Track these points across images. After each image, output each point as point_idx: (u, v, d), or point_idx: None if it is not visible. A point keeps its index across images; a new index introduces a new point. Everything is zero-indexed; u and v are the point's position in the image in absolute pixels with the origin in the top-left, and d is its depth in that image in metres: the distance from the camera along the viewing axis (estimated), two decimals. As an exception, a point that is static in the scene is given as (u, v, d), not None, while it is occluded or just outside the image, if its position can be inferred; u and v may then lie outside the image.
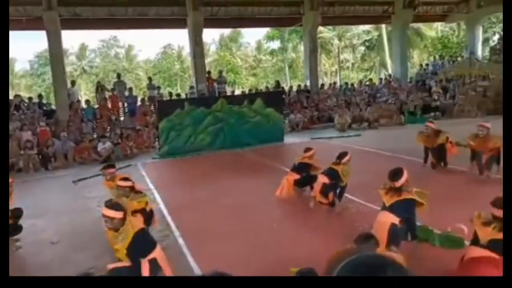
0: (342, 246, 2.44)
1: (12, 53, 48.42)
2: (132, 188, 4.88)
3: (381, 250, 3.86)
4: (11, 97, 14.26)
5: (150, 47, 68.92)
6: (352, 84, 19.65)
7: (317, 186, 5.56)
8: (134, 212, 4.41)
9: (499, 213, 3.15)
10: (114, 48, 38.88)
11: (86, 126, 12.87)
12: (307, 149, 6.41)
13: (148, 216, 4.85)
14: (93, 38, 62.77)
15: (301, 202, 6.04)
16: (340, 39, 35.61)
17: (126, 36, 68.34)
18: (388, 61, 28.68)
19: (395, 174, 4.15)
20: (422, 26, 30.55)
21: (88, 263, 4.17)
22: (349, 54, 37.13)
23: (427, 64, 21.52)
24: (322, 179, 5.51)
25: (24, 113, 12.79)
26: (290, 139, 12.55)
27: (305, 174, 6.15)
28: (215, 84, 16.36)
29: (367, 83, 19.81)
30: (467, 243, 4.20)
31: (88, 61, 37.52)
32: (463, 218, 4.47)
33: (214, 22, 17.36)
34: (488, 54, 21.10)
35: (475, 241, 3.36)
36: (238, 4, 16.85)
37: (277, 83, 18.56)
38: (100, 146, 11.13)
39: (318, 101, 16.44)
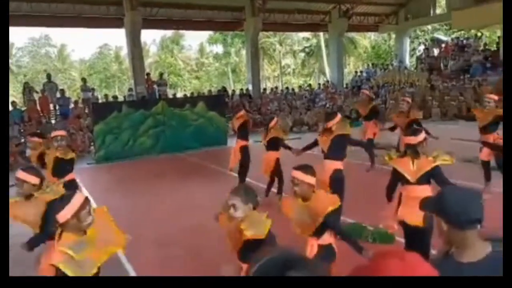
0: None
1: None
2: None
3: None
4: None
5: (85, 46, 65.35)
6: (293, 89, 20.24)
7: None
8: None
9: (409, 140, 3.44)
10: (45, 47, 36.33)
11: (12, 129, 11.84)
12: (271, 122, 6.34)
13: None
14: (20, 35, 58.07)
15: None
16: (281, 45, 36.52)
17: (59, 35, 64.15)
18: (326, 68, 29.96)
19: (329, 115, 4.76)
20: (356, 35, 32.36)
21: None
22: (290, 60, 38.19)
23: (361, 71, 22.84)
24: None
25: None
26: (233, 142, 12.56)
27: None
28: (155, 86, 15.95)
29: (307, 88, 20.53)
30: (397, 238, 4.51)
31: (15, 60, 34.62)
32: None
33: (154, 23, 16.93)
34: (415, 63, 22.95)
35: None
36: (178, 6, 16.61)
37: (224, 89, 18.58)
38: (28, 152, 10.30)
39: (261, 105, 16.70)
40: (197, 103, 12.41)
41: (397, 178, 3.52)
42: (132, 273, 4.07)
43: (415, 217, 3.20)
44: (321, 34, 30.16)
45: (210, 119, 12.34)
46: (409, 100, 7.41)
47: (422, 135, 3.47)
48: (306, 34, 34.74)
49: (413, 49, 27.44)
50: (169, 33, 36.36)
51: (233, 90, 19.71)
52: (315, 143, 5.07)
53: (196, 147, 11.58)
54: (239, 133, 7.05)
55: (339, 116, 4.76)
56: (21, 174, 3.21)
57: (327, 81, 21.62)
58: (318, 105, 17.13)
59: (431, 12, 20.80)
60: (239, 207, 2.48)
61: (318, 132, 5.05)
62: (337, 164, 4.64)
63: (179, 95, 23.92)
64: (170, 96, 16.68)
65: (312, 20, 20.26)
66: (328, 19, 20.16)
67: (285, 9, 18.88)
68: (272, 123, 6.28)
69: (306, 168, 2.90)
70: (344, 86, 20.66)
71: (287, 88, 20.79)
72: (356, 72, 23.39)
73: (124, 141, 11.12)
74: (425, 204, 1.69)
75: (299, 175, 2.86)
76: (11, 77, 32.99)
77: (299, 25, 20.91)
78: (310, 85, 22.24)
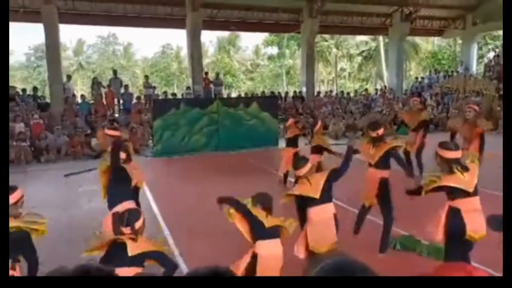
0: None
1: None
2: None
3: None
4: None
5: (149, 45, 68.94)
6: (348, 93, 19.82)
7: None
8: None
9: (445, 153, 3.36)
10: (112, 45, 38.77)
11: (80, 120, 12.82)
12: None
13: None
14: (91, 33, 62.62)
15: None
16: (338, 48, 35.90)
17: (125, 34, 68.20)
18: (385, 72, 28.97)
19: (376, 123, 4.62)
20: (418, 39, 30.96)
21: (79, 257, 4.16)
22: (346, 64, 37.43)
23: (422, 77, 21.80)
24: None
25: (18, 105, 12.70)
26: (284, 144, 12.60)
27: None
28: (212, 86, 16.41)
29: (363, 93, 20.00)
30: (424, 242, 4.29)
31: (85, 57, 37.36)
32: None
33: (213, 24, 17.44)
34: (482, 70, 21.45)
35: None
36: (237, 8, 16.97)
37: (272, 93, 18.71)
38: (94, 141, 11.09)
39: (314, 108, 16.56)
40: (250, 103, 12.59)
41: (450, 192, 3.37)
42: (183, 265, 4.24)
43: (481, 229, 3.16)
44: (380, 37, 29.22)
45: (263, 120, 12.46)
46: (476, 108, 6.68)
47: (459, 152, 3.38)
48: (364, 38, 33.83)
49: (481, 56, 25.68)
50: (226, 34, 37.22)
51: (286, 92, 19.74)
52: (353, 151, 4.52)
53: (247, 147, 11.75)
54: (290, 142, 7.39)
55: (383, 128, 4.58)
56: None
57: (385, 87, 20.91)
58: (374, 111, 16.62)
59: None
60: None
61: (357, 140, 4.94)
62: (385, 173, 4.48)
63: (233, 95, 24.42)
64: (225, 96, 17.09)
65: (371, 23, 19.71)
66: (389, 22, 19.49)
67: (343, 11, 18.55)
68: (316, 128, 6.66)
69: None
70: (403, 92, 19.86)
71: (341, 92, 20.42)
72: (416, 78, 22.37)
73: (180, 137, 11.57)
74: (497, 223, 1.61)
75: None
76: (81, 72, 35.69)
77: (357, 28, 20.43)
78: (366, 89, 21.64)
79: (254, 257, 3.12)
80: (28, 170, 9.56)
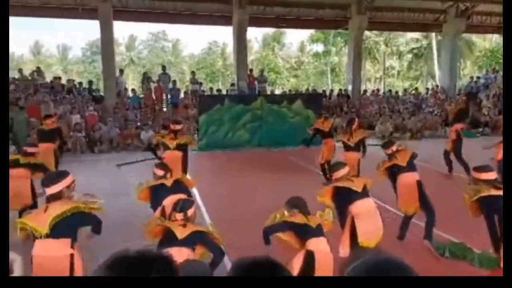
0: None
1: (66, 41, 51.14)
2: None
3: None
4: (63, 81, 15.14)
5: (196, 42, 70.44)
6: (397, 92, 19.13)
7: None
8: None
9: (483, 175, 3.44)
10: (162, 42, 40.08)
11: (131, 113, 13.42)
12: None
13: None
14: (142, 30, 65.12)
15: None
16: (387, 45, 34.73)
17: (174, 30, 70.24)
18: (436, 71, 27.64)
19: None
20: (474, 37, 29.19)
21: (123, 245, 4.39)
22: (396, 61, 36.11)
23: (478, 77, 20.54)
24: None
25: (75, 97, 13.52)
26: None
27: None
28: (256, 83, 16.52)
29: (413, 92, 19.21)
30: (476, 251, 4.06)
31: (136, 52, 38.95)
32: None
33: (259, 21, 17.53)
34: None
35: None
36: (284, 4, 16.89)
37: (314, 91, 18.51)
38: (143, 134, 11.59)
39: (359, 106, 16.17)
40: (294, 100, 12.54)
41: None
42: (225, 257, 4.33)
43: None
44: (433, 34, 27.89)
45: (306, 118, 12.35)
46: None
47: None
48: (416, 35, 32.45)
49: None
50: (271, 31, 37.22)
51: (331, 90, 19.42)
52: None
53: (290, 144, 11.72)
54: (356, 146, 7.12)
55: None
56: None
57: (437, 86, 19.94)
58: (425, 111, 15.93)
59: None
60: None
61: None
62: (417, 175, 4.54)
63: (277, 92, 24.40)
64: (269, 92, 17.13)
65: (424, 19, 18.84)
66: (442, 18, 18.53)
67: (394, 7, 17.86)
68: (355, 125, 6.75)
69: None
70: (457, 92, 18.84)
71: (389, 90, 19.76)
72: (472, 77, 21.12)
73: (224, 133, 11.79)
74: None
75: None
76: (132, 67, 37.27)
77: (409, 24, 19.62)
78: (416, 89, 20.77)
79: (310, 254, 3.13)
80: (82, 159, 10.18)
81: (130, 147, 11.40)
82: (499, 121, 14.99)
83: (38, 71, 15.00)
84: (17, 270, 1.24)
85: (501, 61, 28.53)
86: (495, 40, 31.16)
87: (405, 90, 20.57)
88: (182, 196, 3.87)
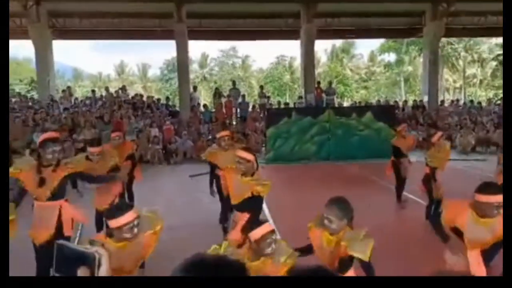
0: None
1: (146, 60, 55.53)
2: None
3: None
4: (144, 98, 16.44)
5: (264, 57, 72.24)
6: (479, 102, 17.67)
7: None
8: None
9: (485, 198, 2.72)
10: (232, 58, 41.70)
11: (203, 127, 14.10)
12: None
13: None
14: (213, 48, 68.52)
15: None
16: (467, 52, 32.31)
17: (244, 47, 72.68)
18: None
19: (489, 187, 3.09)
20: None
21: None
22: (477, 69, 33.39)
23: None
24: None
25: (153, 112, 14.58)
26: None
27: None
28: (324, 95, 16.37)
29: (498, 102, 17.57)
30: None
31: (208, 69, 40.97)
32: None
33: (327, 33, 17.46)
34: None
35: None
36: (352, 15, 16.62)
37: (387, 103, 17.75)
38: (214, 147, 12.08)
39: (437, 118, 15.19)
40: (364, 113, 12.20)
41: None
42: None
43: None
44: (522, 38, 25.34)
45: (378, 130, 11.93)
46: None
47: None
48: (500, 40, 29.76)
49: None
50: (339, 42, 36.79)
51: (405, 101, 18.53)
52: None
53: (360, 158, 11.37)
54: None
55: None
56: (243, 154, 3.80)
57: (526, 95, 18.01)
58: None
59: None
60: (333, 221, 2.50)
61: None
62: None
63: (345, 104, 23.92)
64: (337, 105, 16.87)
65: (510, 22, 17.23)
66: (534, 20, 16.78)
67: (474, 11, 16.63)
68: (435, 138, 5.71)
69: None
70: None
71: (471, 101, 18.31)
72: None
73: (291, 146, 11.84)
74: None
75: None
76: (204, 83, 39.23)
77: (491, 28, 18.07)
78: (502, 98, 18.96)
79: None
80: (159, 169, 10.90)
81: (203, 159, 11.94)
82: None
83: (123, 88, 16.49)
84: (104, 265, 1.33)
85: None
86: None
87: (489, 100, 18.89)
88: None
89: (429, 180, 5.58)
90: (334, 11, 16.39)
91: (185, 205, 7.05)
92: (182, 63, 16.11)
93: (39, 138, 3.73)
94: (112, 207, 2.79)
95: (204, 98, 33.56)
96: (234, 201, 3.81)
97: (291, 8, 15.89)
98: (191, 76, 30.55)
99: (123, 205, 2.67)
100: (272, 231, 2.44)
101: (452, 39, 29.47)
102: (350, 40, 35.03)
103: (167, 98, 17.45)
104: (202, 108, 16.09)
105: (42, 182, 3.44)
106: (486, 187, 2.76)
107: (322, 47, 45.62)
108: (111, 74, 42.61)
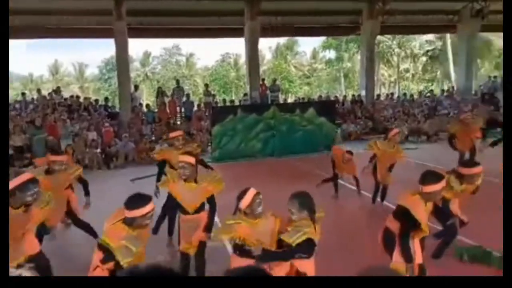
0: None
1: (84, 59, 52.60)
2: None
3: None
4: (81, 99, 15.52)
5: (209, 55, 71.43)
6: (412, 95, 18.86)
7: None
8: None
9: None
10: (176, 56, 40.77)
11: (145, 128, 13.62)
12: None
13: None
14: (156, 46, 66.61)
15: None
16: (400, 48, 34.37)
17: (188, 44, 71.46)
18: (452, 72, 27.15)
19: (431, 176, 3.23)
20: (492, 35, 28.59)
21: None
22: (410, 64, 35.66)
23: (495, 77, 20.05)
24: None
25: (91, 114, 13.82)
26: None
27: None
28: (269, 92, 16.55)
29: (428, 94, 18.89)
30: (495, 253, 3.91)
31: (151, 68, 39.71)
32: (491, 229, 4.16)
33: (271, 31, 17.58)
34: None
35: None
36: (295, 13, 16.95)
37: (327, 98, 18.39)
38: (157, 148, 11.70)
39: (374, 111, 15.99)
40: (307, 108, 12.50)
41: None
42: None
43: None
44: (447, 35, 27.47)
45: (320, 125, 12.29)
46: None
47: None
48: (430, 36, 32.04)
49: None
50: (283, 40, 37.40)
51: (345, 96, 19.28)
52: None
53: (304, 152, 11.64)
54: None
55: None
56: (186, 158, 3.75)
57: (452, 87, 19.56)
58: (440, 113, 15.62)
59: None
60: (294, 212, 2.74)
61: None
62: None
63: (290, 100, 24.39)
64: (282, 101, 17.13)
65: (438, 21, 18.58)
66: (457, 19, 18.24)
67: (406, 10, 17.68)
68: (392, 134, 6.20)
69: None
70: (473, 93, 18.42)
71: (404, 94, 19.49)
72: (489, 77, 20.63)
73: (237, 143, 11.82)
74: None
75: None
76: (147, 82, 38.00)
77: (422, 26, 19.37)
78: (431, 91, 20.42)
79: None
80: (98, 174, 10.34)
81: (145, 161, 11.53)
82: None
83: (57, 90, 15.44)
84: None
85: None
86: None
87: (420, 92, 20.24)
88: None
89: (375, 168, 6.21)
90: (277, 9, 16.56)
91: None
92: (121, 61, 15.41)
93: None
94: (134, 198, 2.86)
95: (147, 97, 32.47)
96: (190, 210, 3.72)
97: (234, 6, 15.82)
98: (132, 75, 29.43)
99: (145, 196, 2.87)
100: (258, 193, 2.85)
101: (387, 37, 31.17)
102: (294, 38, 35.74)
103: (106, 99, 16.63)
104: (144, 108, 15.54)
105: None
106: (428, 178, 3.04)
107: (267, 45, 46.14)
108: (45, 75, 39.80)
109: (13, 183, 3.06)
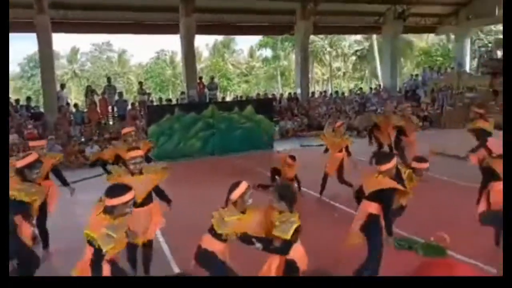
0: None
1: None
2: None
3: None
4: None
5: (143, 52, 68.67)
6: (343, 93, 19.81)
7: None
8: None
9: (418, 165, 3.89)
10: (107, 53, 38.71)
11: (74, 129, 12.75)
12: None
13: None
14: (85, 41, 62.54)
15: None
16: (332, 48, 35.96)
17: (120, 41, 68.21)
18: (379, 71, 29.04)
19: (384, 157, 3.85)
20: (413, 37, 31.04)
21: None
22: (341, 63, 37.47)
23: (416, 75, 21.82)
24: None
25: (11, 116, 12.60)
26: (280, 146, 12.59)
27: None
28: (206, 90, 16.37)
29: (357, 92, 20.00)
30: (449, 252, 4.26)
31: (79, 65, 37.28)
32: (445, 227, 4.54)
33: (207, 28, 17.42)
34: (476, 66, 21.49)
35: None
36: (231, 11, 16.93)
37: (265, 95, 18.68)
38: (88, 150, 11.04)
39: (309, 109, 16.54)
40: (245, 106, 12.57)
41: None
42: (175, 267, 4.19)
43: None
44: (374, 36, 29.29)
45: (258, 123, 12.43)
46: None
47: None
48: (358, 37, 33.94)
49: (474, 52, 25.74)
50: (220, 37, 37.23)
51: (281, 94, 19.72)
52: None
53: (243, 150, 11.70)
54: None
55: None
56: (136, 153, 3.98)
57: (379, 85, 20.92)
58: (369, 110, 16.62)
59: (496, 11, 19.35)
60: (274, 202, 3.00)
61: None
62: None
63: (228, 98, 24.41)
64: (220, 99, 17.05)
65: (365, 22, 19.73)
66: (382, 20, 19.51)
67: (337, 11, 18.52)
68: (337, 125, 6.86)
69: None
70: (398, 90, 19.87)
71: (336, 92, 20.43)
72: (411, 75, 22.40)
73: (175, 142, 11.54)
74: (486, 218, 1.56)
75: None
76: (75, 80, 35.62)
77: (351, 27, 20.44)
78: (361, 89, 21.66)
79: (290, 263, 2.96)
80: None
81: (74, 164, 10.80)
82: (436, 115, 16.02)
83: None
84: None
85: (436, 59, 30.65)
86: (430, 40, 33.32)
87: (350, 90, 21.36)
88: None
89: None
90: (213, 7, 16.38)
91: (55, 219, 6.24)
92: (45, 58, 14.20)
93: None
94: (114, 187, 3.04)
95: (76, 96, 30.49)
96: (138, 200, 3.80)
97: (169, 2, 15.36)
98: (59, 72, 27.44)
99: (124, 185, 3.05)
100: (248, 187, 3.15)
101: (319, 36, 32.42)
102: (231, 36, 35.71)
103: (28, 98, 15.26)
104: (72, 108, 14.54)
105: None
106: (382, 159, 3.69)
107: (204, 42, 45.66)
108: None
109: (22, 162, 3.68)
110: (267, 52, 38.61)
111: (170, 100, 16.92)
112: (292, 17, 17.92)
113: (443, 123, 15.47)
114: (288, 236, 2.83)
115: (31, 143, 5.02)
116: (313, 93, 19.24)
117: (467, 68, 21.00)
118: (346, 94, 19.52)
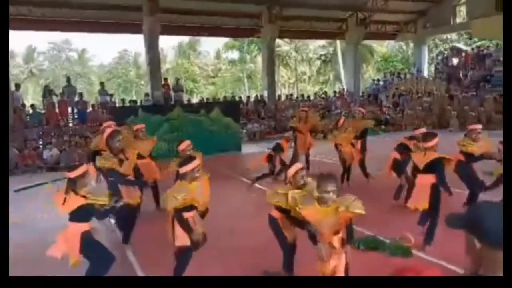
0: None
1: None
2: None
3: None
4: None
5: (105, 51, 66.59)
6: (308, 96, 20.14)
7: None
8: None
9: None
10: (66, 52, 37.18)
11: (31, 132, 12.11)
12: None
13: None
14: (42, 40, 59.73)
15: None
16: (297, 52, 36.50)
17: (79, 39, 65.77)
18: (343, 75, 29.81)
19: (429, 135, 4.61)
20: (374, 43, 32.12)
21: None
22: (306, 67, 38.11)
23: (378, 80, 22.60)
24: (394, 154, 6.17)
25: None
26: (247, 148, 12.59)
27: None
28: (172, 92, 16.09)
29: (322, 95, 20.41)
30: (414, 252, 4.40)
31: (36, 64, 35.54)
32: (410, 227, 4.68)
33: (172, 29, 17.16)
34: (433, 72, 22.57)
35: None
36: (197, 12, 16.76)
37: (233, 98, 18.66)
38: (46, 153, 10.52)
39: (276, 111, 16.68)
40: (212, 109, 12.47)
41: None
42: (137, 267, 4.05)
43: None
44: (337, 41, 30.04)
45: (225, 125, 12.37)
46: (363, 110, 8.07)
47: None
48: (322, 42, 34.67)
49: (432, 58, 27.05)
50: (186, 39, 36.79)
51: (248, 97, 19.76)
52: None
53: (210, 153, 11.55)
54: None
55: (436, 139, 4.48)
56: None
57: (343, 89, 21.47)
58: (334, 113, 17.00)
59: (451, 21, 20.46)
60: (334, 191, 2.91)
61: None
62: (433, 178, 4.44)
63: (195, 101, 24.13)
64: (186, 102, 16.81)
65: (329, 27, 20.20)
66: (345, 27, 20.06)
67: (301, 16, 18.83)
68: (340, 122, 7.42)
69: None
70: (360, 94, 20.47)
71: (302, 95, 20.73)
72: (373, 80, 23.17)
73: (139, 145, 11.21)
74: (452, 221, 1.56)
75: None
76: (32, 80, 33.91)
77: (315, 32, 20.85)
78: (325, 92, 22.14)
79: None
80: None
81: (31, 168, 10.25)
82: (397, 119, 16.66)
83: None
84: None
85: (396, 65, 31.90)
86: (390, 46, 34.63)
87: (315, 94, 21.76)
88: None
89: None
90: (177, 8, 16.15)
91: (16, 225, 5.88)
92: (-2, 56, 13.40)
93: None
94: (185, 159, 3.83)
95: (33, 97, 29.03)
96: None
97: (132, 0, 14.96)
98: (15, 71, 26.05)
99: (192, 156, 3.91)
100: (302, 168, 3.52)
101: (285, 40, 32.79)
102: (197, 37, 35.35)
103: (-20, 98, 14.33)
104: (29, 109, 13.80)
105: None
106: (427, 137, 4.51)
107: (170, 44, 44.91)
108: None
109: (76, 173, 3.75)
110: (234, 55, 38.60)
111: (135, 101, 16.46)
112: (259, 21, 18.03)
113: (404, 125, 16.10)
114: (364, 211, 2.91)
115: None
116: (279, 96, 19.43)
117: (425, 74, 22.01)
118: (311, 98, 19.86)
